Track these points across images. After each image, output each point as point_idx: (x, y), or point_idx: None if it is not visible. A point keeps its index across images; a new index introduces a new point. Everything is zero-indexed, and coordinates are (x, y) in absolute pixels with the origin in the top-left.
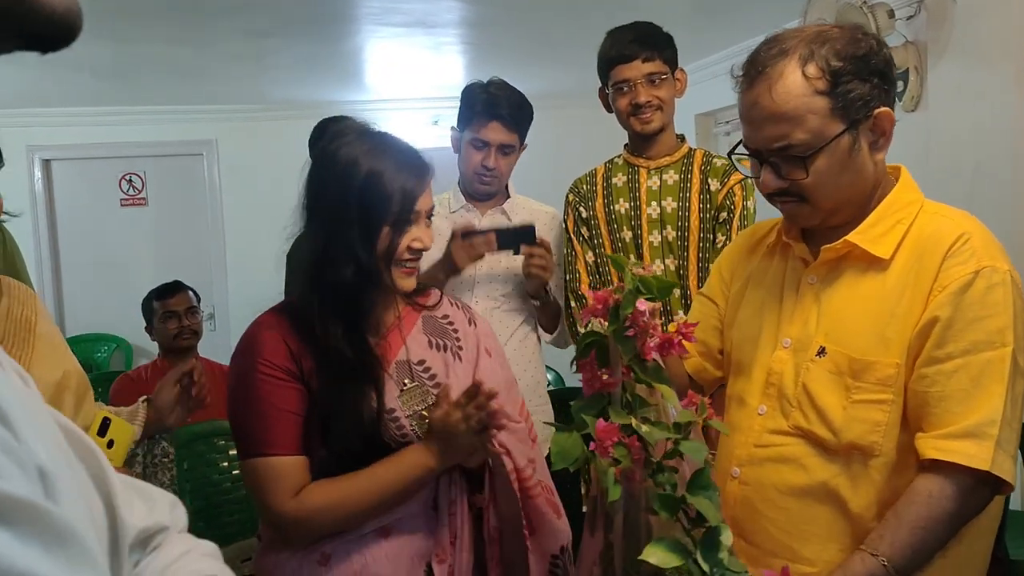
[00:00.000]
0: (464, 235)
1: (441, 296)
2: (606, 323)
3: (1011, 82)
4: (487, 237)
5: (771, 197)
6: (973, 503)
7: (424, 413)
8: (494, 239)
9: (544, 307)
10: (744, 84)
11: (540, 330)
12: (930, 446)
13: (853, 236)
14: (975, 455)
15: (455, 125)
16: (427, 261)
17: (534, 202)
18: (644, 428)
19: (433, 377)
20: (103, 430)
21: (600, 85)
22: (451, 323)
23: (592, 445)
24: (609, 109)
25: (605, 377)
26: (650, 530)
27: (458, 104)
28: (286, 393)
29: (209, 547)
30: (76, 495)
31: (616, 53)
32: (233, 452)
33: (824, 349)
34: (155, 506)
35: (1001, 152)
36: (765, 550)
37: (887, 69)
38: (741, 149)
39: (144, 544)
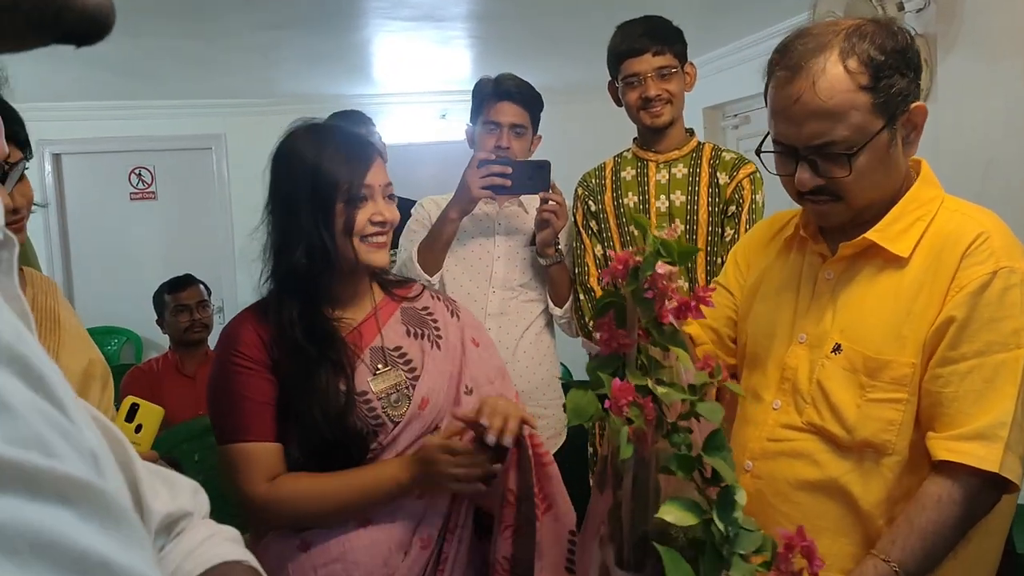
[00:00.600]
0: (480, 164)
1: (423, 290)
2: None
3: (1021, 76)
4: (503, 168)
5: (801, 196)
6: (981, 505)
7: (394, 394)
8: (509, 170)
9: (555, 272)
10: (781, 79)
11: (553, 314)
12: (941, 447)
13: (872, 234)
14: (984, 457)
15: (469, 121)
16: (449, 254)
17: None
18: (660, 389)
19: (409, 362)
20: (131, 415)
21: (609, 79)
22: (431, 313)
23: (607, 403)
24: (619, 103)
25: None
26: (659, 490)
27: (466, 99)
28: (259, 383)
29: (231, 532)
30: (120, 479)
31: (626, 47)
32: None
33: (839, 346)
34: (178, 492)
35: (1013, 147)
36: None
37: (919, 63)
38: (768, 145)
39: (168, 530)
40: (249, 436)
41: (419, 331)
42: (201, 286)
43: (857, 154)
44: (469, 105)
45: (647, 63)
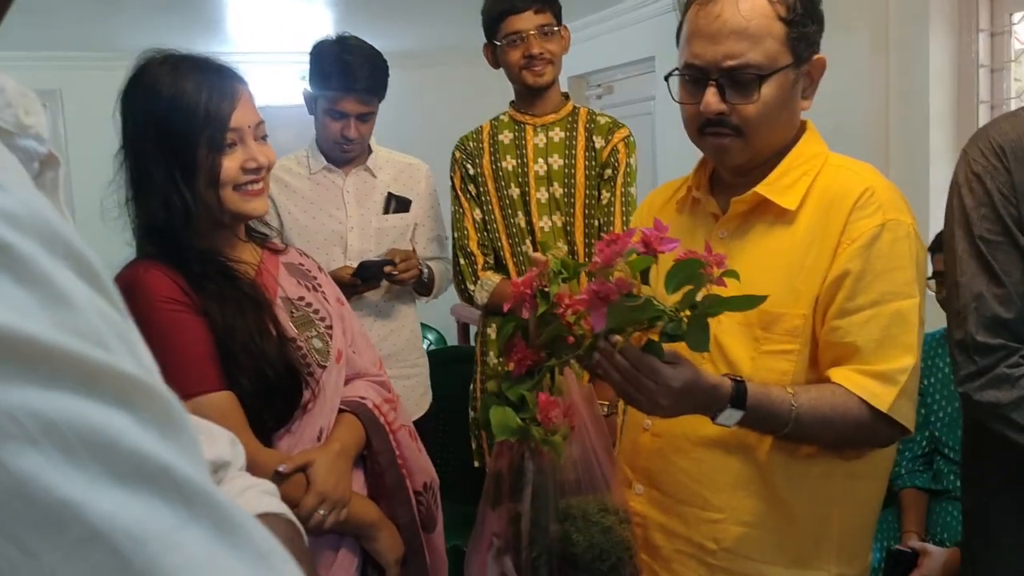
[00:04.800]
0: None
1: (286, 244)
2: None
3: (867, 48)
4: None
5: (702, 131)
6: (880, 435)
7: (315, 339)
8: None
9: (421, 286)
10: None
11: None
12: (841, 376)
13: (761, 187)
14: (879, 395)
15: (308, 84)
16: (297, 230)
17: (397, 154)
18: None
19: (317, 312)
20: None
21: (485, 42)
22: (308, 269)
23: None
24: (495, 65)
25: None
26: (557, 499)
27: None
28: (195, 326)
29: (269, 486)
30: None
31: (508, 5)
32: None
33: None
34: (215, 441)
35: (858, 114)
36: (677, 499)
37: (823, 20)
38: (678, 72)
39: None
40: (209, 385)
41: (308, 284)
42: None
43: (766, 80)
44: None
45: (529, 20)
